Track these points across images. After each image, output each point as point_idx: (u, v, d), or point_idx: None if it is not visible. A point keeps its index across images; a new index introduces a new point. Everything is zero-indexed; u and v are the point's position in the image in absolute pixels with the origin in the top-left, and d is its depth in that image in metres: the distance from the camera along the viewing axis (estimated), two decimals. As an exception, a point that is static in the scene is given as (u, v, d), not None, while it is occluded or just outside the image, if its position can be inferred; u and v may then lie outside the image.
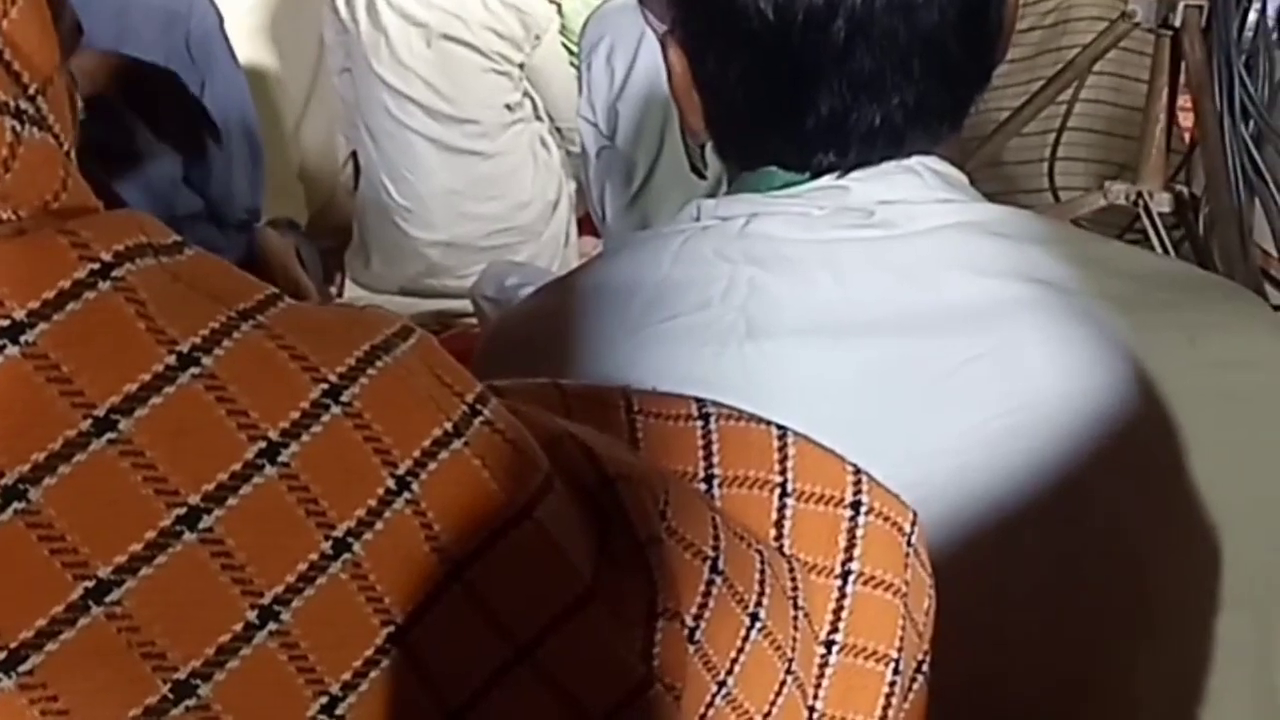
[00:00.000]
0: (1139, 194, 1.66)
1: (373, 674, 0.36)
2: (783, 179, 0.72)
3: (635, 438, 0.50)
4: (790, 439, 0.51)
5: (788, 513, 0.50)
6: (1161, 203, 1.67)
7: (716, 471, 0.50)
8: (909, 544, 0.53)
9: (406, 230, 2.77)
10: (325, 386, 0.36)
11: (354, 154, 2.90)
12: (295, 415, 0.36)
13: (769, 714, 0.46)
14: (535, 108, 2.79)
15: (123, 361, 0.34)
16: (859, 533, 0.51)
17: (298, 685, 0.35)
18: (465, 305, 2.47)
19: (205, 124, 1.81)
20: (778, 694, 0.47)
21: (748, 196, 0.73)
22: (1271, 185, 1.61)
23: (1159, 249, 1.62)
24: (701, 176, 1.06)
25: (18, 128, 0.36)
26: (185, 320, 0.35)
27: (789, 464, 0.51)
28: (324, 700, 0.35)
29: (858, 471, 0.52)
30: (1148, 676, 0.69)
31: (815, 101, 0.68)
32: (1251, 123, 1.62)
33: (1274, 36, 1.61)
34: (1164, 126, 1.66)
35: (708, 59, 0.72)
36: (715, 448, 0.50)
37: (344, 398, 0.36)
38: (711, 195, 0.77)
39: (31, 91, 0.37)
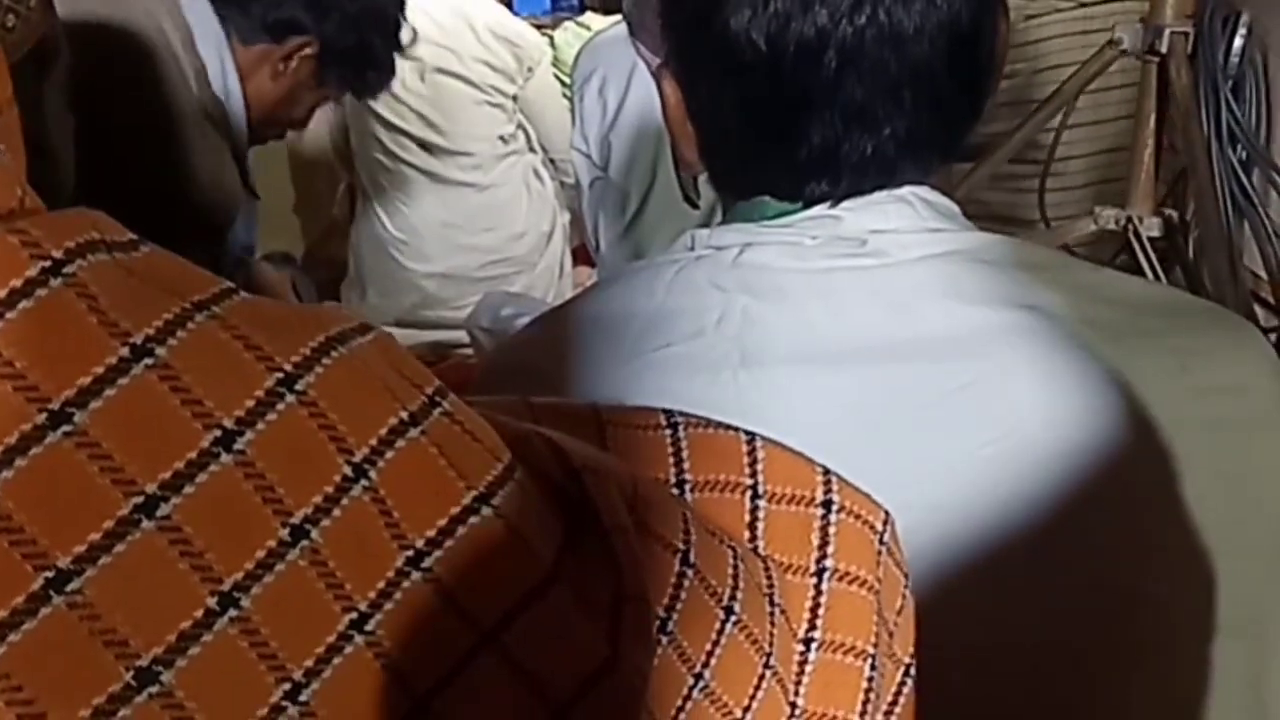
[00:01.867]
0: (1129, 219, 1.67)
1: (336, 660, 0.36)
2: (776, 209, 0.73)
3: (605, 448, 0.50)
4: (759, 443, 0.52)
5: (760, 514, 0.51)
6: (1151, 227, 1.68)
7: (688, 477, 0.50)
8: (881, 541, 0.53)
9: (402, 262, 2.78)
10: (280, 375, 0.36)
11: (349, 187, 2.91)
12: (250, 404, 0.36)
13: (749, 708, 0.46)
14: (529, 139, 2.80)
15: (76, 355, 0.34)
16: (831, 531, 0.52)
17: (260, 671, 0.35)
18: (461, 336, 2.47)
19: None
20: (757, 688, 0.47)
21: (741, 226, 0.74)
22: (1260, 209, 1.63)
23: (1149, 273, 1.63)
24: (694, 206, 1.06)
25: None
26: (138, 312, 0.35)
27: (759, 467, 0.51)
28: (287, 686, 0.35)
29: (827, 472, 0.52)
30: (1140, 703, 0.70)
31: (807, 132, 0.69)
32: (1239, 147, 1.63)
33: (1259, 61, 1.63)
34: (1152, 152, 1.68)
35: (701, 90, 0.72)
36: (685, 454, 0.51)
37: (299, 386, 0.36)
38: (704, 225, 0.77)
39: None
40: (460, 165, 2.71)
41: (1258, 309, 1.64)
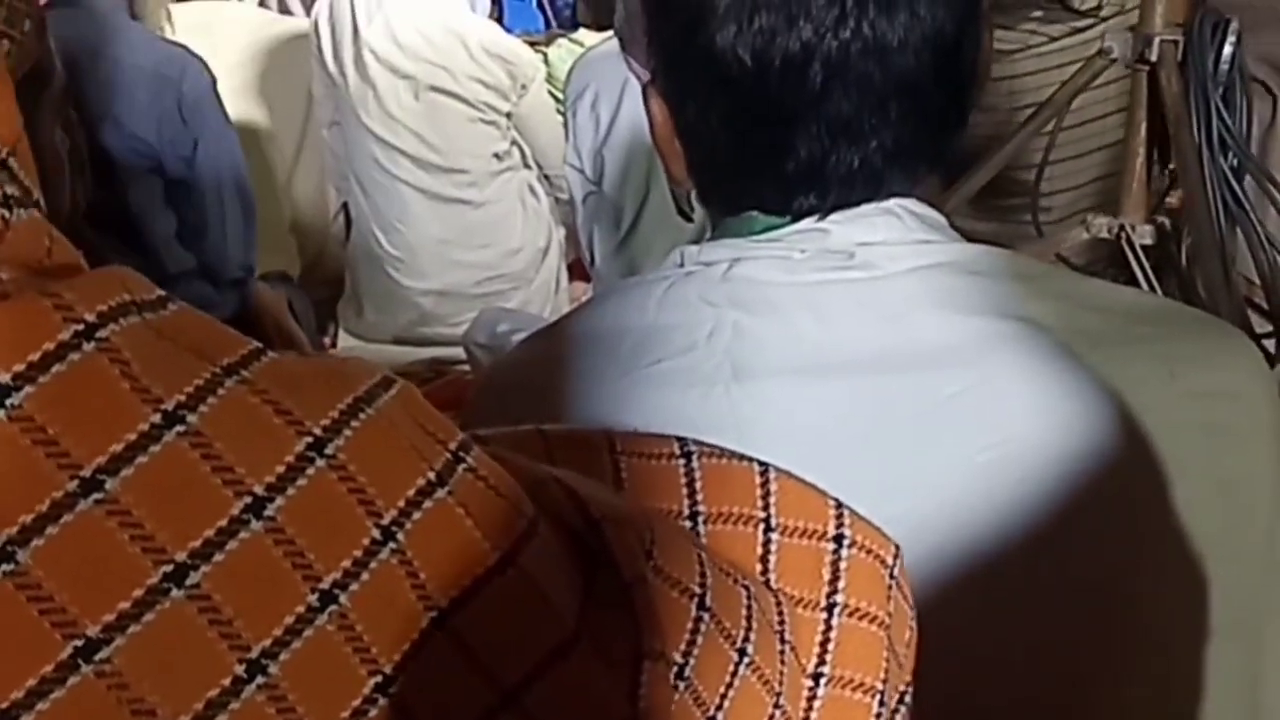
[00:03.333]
0: (1121, 227, 1.68)
1: None
2: (764, 223, 0.73)
3: (619, 478, 0.50)
4: (772, 474, 0.52)
5: (772, 547, 0.51)
6: (1144, 235, 1.68)
7: (701, 509, 0.50)
8: (891, 576, 0.53)
9: (398, 279, 2.79)
10: (309, 440, 0.37)
11: (345, 206, 2.92)
12: (280, 469, 0.36)
13: None
14: (523, 156, 2.81)
15: (108, 421, 0.34)
16: (842, 565, 0.51)
17: None
18: (458, 353, 2.48)
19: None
20: None
21: (730, 241, 0.74)
22: (1252, 215, 1.63)
23: (1142, 281, 1.64)
24: (688, 219, 1.07)
25: (6, 214, 0.37)
26: (170, 378, 0.35)
27: (772, 499, 0.51)
28: None
29: (839, 505, 0.52)
30: (1136, 706, 0.70)
31: (794, 145, 0.69)
32: (1230, 154, 1.64)
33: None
34: (1143, 160, 1.68)
35: (688, 107, 0.73)
36: (699, 485, 0.51)
37: (328, 450, 0.37)
38: (698, 238, 0.78)
39: (2, 156, 0.38)
40: (455, 182, 2.73)
41: (1251, 315, 1.64)
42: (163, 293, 0.38)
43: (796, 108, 0.68)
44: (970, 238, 0.76)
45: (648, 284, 0.76)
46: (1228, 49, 1.63)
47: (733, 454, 0.52)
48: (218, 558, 0.34)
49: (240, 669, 0.34)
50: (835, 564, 0.51)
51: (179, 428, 0.35)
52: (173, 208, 2.14)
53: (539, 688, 0.39)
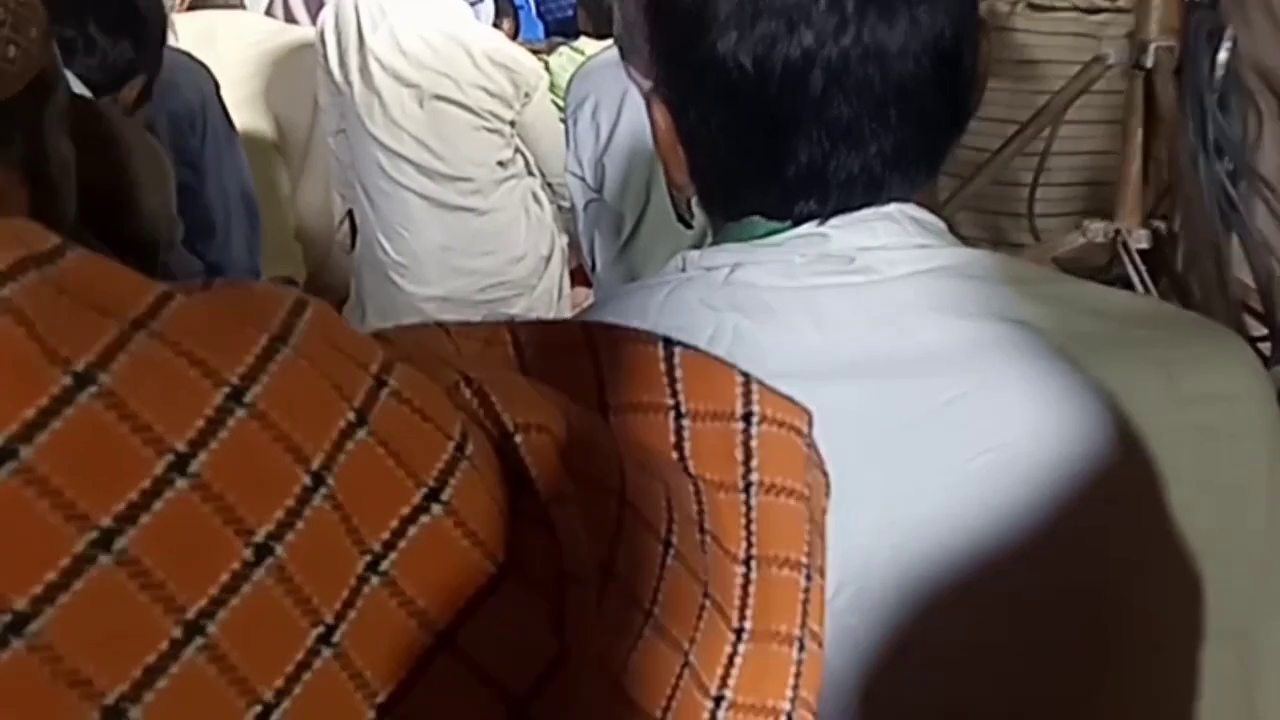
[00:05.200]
0: (1117, 231, 1.69)
1: (305, 677, 0.35)
2: (765, 228, 0.74)
3: (525, 369, 0.49)
4: (677, 356, 0.50)
5: (685, 434, 0.50)
6: (1140, 239, 1.70)
7: (610, 399, 0.49)
8: (807, 445, 0.52)
9: (402, 286, 2.80)
10: (227, 390, 0.35)
11: (350, 213, 2.93)
12: (200, 424, 0.34)
13: (694, 640, 0.46)
14: (527, 164, 2.82)
15: (18, 387, 0.32)
16: (754, 443, 0.50)
17: (230, 697, 0.34)
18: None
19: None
20: (699, 619, 0.46)
21: (731, 246, 0.75)
22: (1247, 220, 1.65)
23: (1138, 285, 1.65)
24: (688, 226, 1.07)
25: None
26: (77, 337, 0.33)
27: (679, 385, 0.50)
28: (258, 709, 0.34)
29: (747, 380, 0.51)
30: (1132, 709, 0.70)
31: (795, 151, 0.70)
32: (1226, 159, 1.65)
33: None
34: (1139, 165, 1.69)
35: (690, 113, 0.73)
36: (606, 374, 0.50)
37: (247, 399, 0.35)
38: (698, 245, 0.78)
39: None
40: (459, 190, 2.74)
41: (1247, 319, 1.66)
42: (57, 241, 0.35)
43: (798, 113, 0.69)
44: (968, 242, 0.77)
45: (649, 289, 0.76)
46: (1223, 55, 1.65)
47: (636, 333, 0.51)
48: (144, 520, 0.33)
49: (177, 631, 0.33)
50: (746, 443, 0.50)
51: (91, 388, 0.33)
52: (179, 213, 2.15)
53: (471, 626, 0.38)
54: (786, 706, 0.49)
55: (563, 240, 2.87)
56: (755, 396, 0.51)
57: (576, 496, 0.43)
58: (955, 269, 0.72)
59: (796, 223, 0.73)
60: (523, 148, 2.79)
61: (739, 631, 0.48)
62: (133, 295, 0.35)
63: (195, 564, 0.34)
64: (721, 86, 0.70)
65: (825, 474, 0.55)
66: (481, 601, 0.39)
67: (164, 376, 0.34)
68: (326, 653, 0.36)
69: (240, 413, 0.35)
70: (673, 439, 0.49)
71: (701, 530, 0.48)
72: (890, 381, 0.69)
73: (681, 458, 0.50)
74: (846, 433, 0.67)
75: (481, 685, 0.39)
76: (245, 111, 2.64)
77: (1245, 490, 0.72)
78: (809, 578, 0.51)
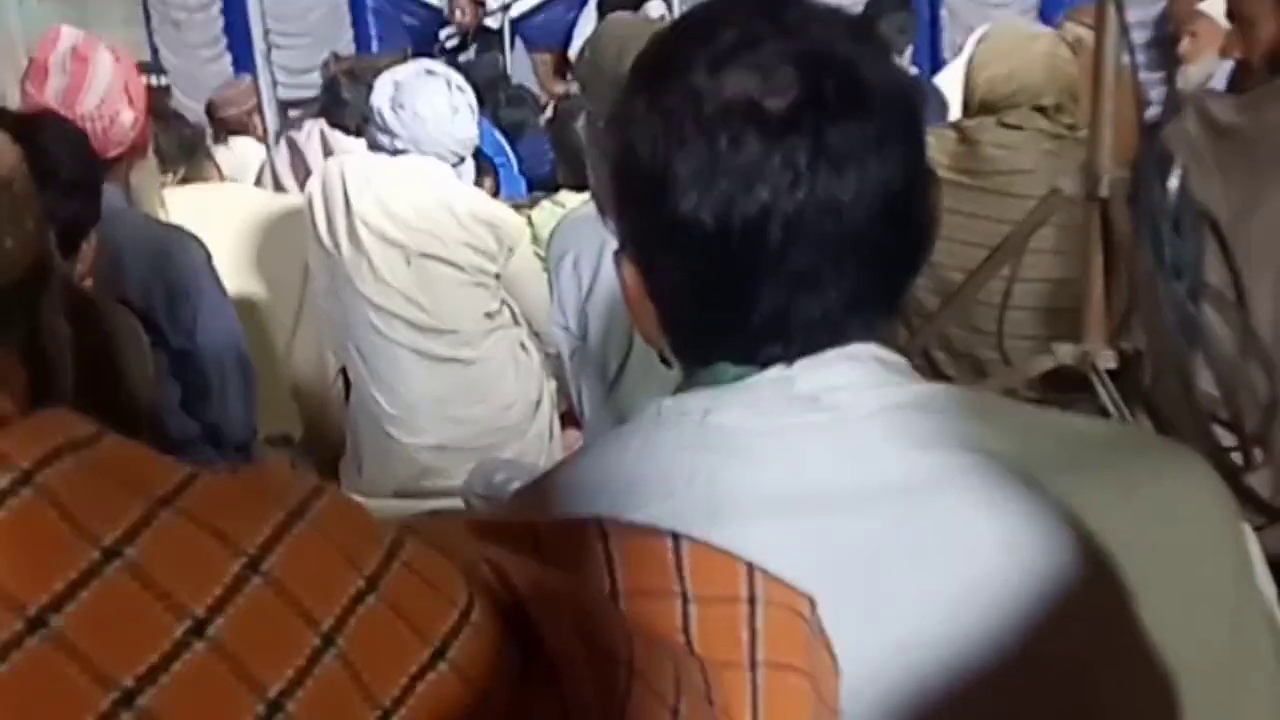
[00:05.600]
0: (1085, 353, 1.72)
1: None
2: (734, 372, 0.76)
3: (542, 560, 0.52)
4: (684, 547, 0.54)
5: (691, 618, 0.53)
6: (1107, 360, 1.72)
7: (620, 586, 0.53)
8: (809, 628, 0.55)
9: (397, 437, 2.82)
10: (245, 560, 0.38)
11: (343, 369, 2.97)
12: (219, 591, 0.37)
13: None
14: (513, 314, 2.86)
15: (49, 563, 0.36)
16: (758, 624, 0.53)
17: None
18: (458, 503, 2.51)
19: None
20: None
21: (703, 391, 0.77)
22: (1209, 335, 1.69)
23: (1108, 404, 1.68)
24: (670, 367, 1.10)
25: None
26: (106, 515, 0.37)
27: (685, 572, 0.53)
28: None
29: (750, 567, 0.54)
30: None
31: (758, 300, 0.72)
32: (1185, 279, 1.70)
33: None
34: (1101, 289, 1.73)
35: (656, 269, 0.76)
36: (617, 563, 0.53)
37: (264, 568, 0.38)
38: (681, 387, 0.81)
39: None
40: (449, 342, 2.78)
41: (1217, 428, 1.69)
42: (95, 428, 0.39)
43: (758, 265, 0.71)
44: (940, 372, 0.79)
45: (626, 435, 0.79)
46: (1173, 182, 1.70)
47: (645, 530, 0.54)
48: (163, 680, 0.35)
49: None
50: (752, 624, 0.53)
51: (117, 561, 0.36)
52: (176, 377, 2.19)
53: None
54: None
55: (551, 386, 2.90)
56: (759, 582, 0.54)
57: (587, 663, 0.45)
58: (918, 404, 0.74)
59: (763, 366, 0.75)
60: (508, 299, 2.83)
61: None
62: (161, 476, 0.39)
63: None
64: (685, 243, 0.72)
65: (832, 654, 0.57)
66: None
67: (186, 548, 0.38)
68: None
69: (256, 580, 0.38)
70: (679, 622, 0.52)
71: (710, 702, 0.51)
72: (860, 515, 0.71)
73: (688, 640, 0.52)
74: (821, 566, 0.69)
75: None
76: (239, 277, 2.69)
77: (1208, 601, 0.73)
78: None
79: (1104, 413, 1.65)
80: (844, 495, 0.71)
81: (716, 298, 0.74)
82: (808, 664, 0.55)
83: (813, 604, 0.56)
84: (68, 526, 0.36)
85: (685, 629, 0.52)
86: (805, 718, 0.54)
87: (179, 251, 2.18)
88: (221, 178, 3.54)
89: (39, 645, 0.35)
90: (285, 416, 2.81)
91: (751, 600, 0.54)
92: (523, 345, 2.86)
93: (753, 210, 0.70)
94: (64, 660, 0.35)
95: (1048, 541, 0.70)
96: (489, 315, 2.80)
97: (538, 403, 2.87)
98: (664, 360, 0.83)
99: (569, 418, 2.83)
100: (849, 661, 0.67)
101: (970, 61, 2.48)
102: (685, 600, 0.53)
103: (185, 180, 3.06)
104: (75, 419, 0.39)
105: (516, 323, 2.86)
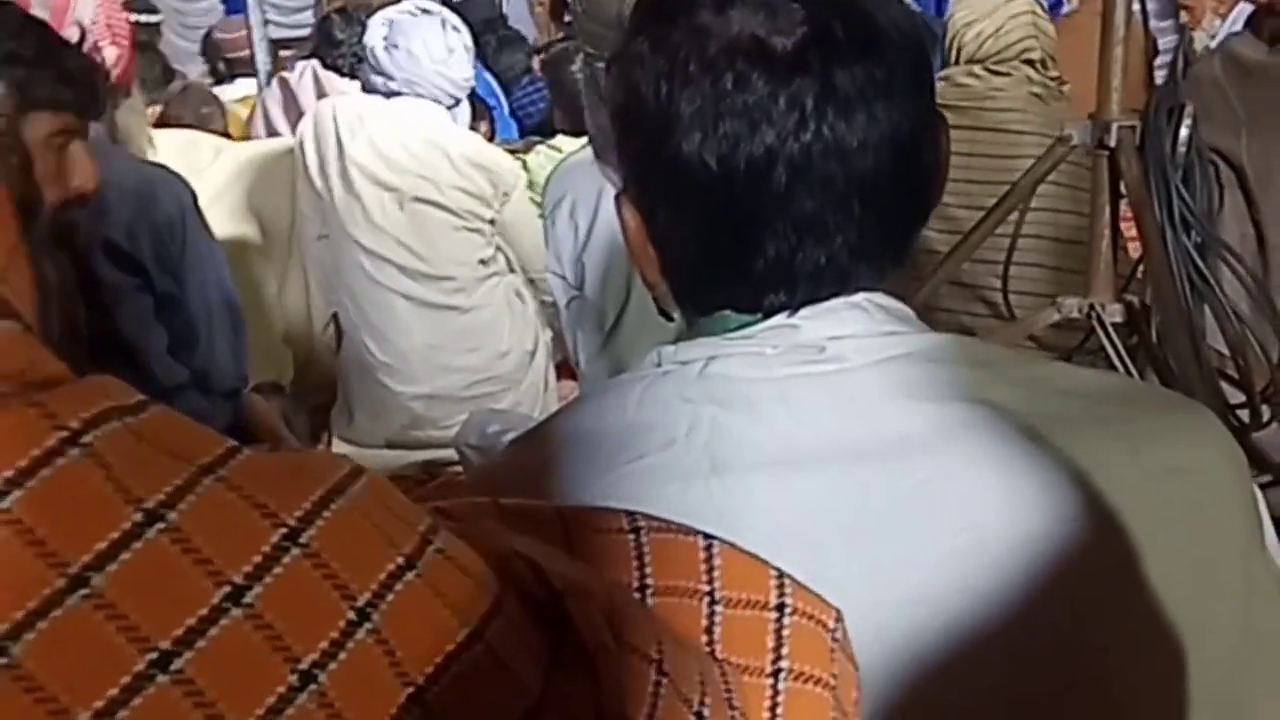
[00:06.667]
0: (1091, 306, 1.70)
1: None
2: (737, 321, 0.75)
3: (570, 550, 0.53)
4: (716, 548, 0.54)
5: (717, 619, 0.53)
6: (1114, 314, 1.71)
7: (649, 582, 0.53)
8: (834, 639, 0.55)
9: (389, 386, 2.81)
10: (284, 530, 0.39)
11: (335, 316, 2.95)
12: (257, 559, 0.38)
13: None
14: (508, 261, 2.85)
15: (93, 522, 0.36)
16: (785, 633, 0.54)
17: None
18: (450, 454, 2.50)
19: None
20: None
21: (705, 340, 0.76)
22: (1218, 289, 1.67)
23: (1114, 358, 1.66)
24: (669, 319, 1.08)
25: None
26: (150, 479, 0.37)
27: (716, 573, 0.53)
28: None
29: (780, 575, 0.55)
30: None
31: (762, 245, 0.71)
32: (1193, 233, 1.68)
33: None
34: (1109, 241, 1.71)
35: (659, 214, 0.75)
36: (647, 559, 0.53)
37: (302, 539, 0.39)
38: (678, 337, 0.79)
39: None
40: (443, 289, 2.76)
41: (1225, 385, 1.67)
42: (141, 397, 0.40)
43: (763, 209, 0.70)
44: (945, 323, 0.78)
45: (626, 384, 0.77)
46: (1184, 132, 1.68)
47: (679, 527, 0.55)
48: (200, 644, 0.36)
49: None
50: (779, 632, 0.53)
51: (159, 525, 0.37)
52: (163, 323, 2.16)
53: None
54: None
55: (546, 335, 2.88)
56: (788, 589, 0.54)
57: (619, 658, 0.45)
58: (924, 354, 0.73)
59: (767, 315, 0.74)
60: (504, 246, 2.82)
61: None
62: (204, 446, 0.40)
63: (244, 687, 0.37)
64: (688, 186, 0.71)
65: (855, 666, 0.57)
66: None
67: (227, 515, 0.38)
68: None
69: (295, 551, 0.39)
70: (704, 623, 0.52)
71: (731, 706, 0.51)
72: (863, 467, 0.70)
73: (710, 642, 0.52)
74: (824, 519, 0.69)
75: None
76: (228, 221, 2.67)
77: (1219, 561, 0.72)
78: None
79: (1110, 369, 1.63)
80: (847, 448, 0.71)
81: (720, 243, 0.73)
82: (830, 675, 0.55)
83: (839, 615, 0.57)
84: (112, 488, 0.37)
85: (709, 630, 0.53)
86: None
87: (165, 193, 2.14)
88: (225, 118, 3.49)
89: (79, 604, 0.35)
90: (276, 364, 2.80)
91: (780, 608, 0.54)
92: (518, 293, 2.85)
93: (758, 152, 0.69)
94: (103, 619, 0.36)
95: (1053, 498, 0.69)
96: (483, 262, 2.78)
97: (533, 352, 2.86)
98: (663, 312, 0.82)
99: (564, 368, 2.82)
100: (857, 616, 0.66)
101: (950, 18, 2.57)
102: (713, 602, 0.53)
103: (163, 119, 3.01)
104: (121, 385, 0.40)
105: (512, 270, 2.85)
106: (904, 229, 0.76)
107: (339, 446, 2.90)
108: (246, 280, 2.53)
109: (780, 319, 0.74)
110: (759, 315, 0.74)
